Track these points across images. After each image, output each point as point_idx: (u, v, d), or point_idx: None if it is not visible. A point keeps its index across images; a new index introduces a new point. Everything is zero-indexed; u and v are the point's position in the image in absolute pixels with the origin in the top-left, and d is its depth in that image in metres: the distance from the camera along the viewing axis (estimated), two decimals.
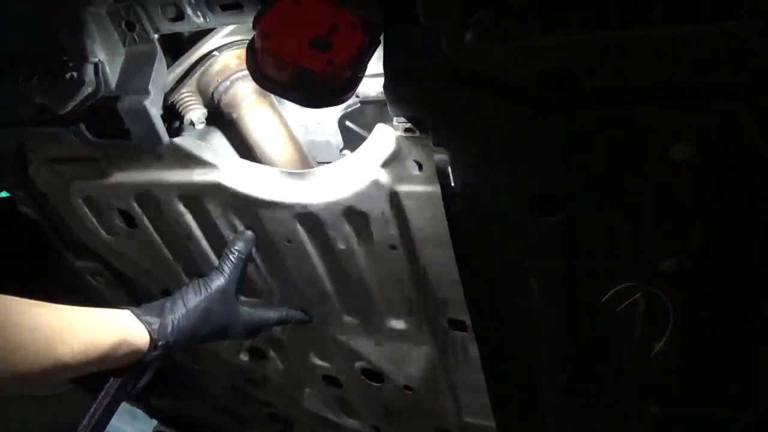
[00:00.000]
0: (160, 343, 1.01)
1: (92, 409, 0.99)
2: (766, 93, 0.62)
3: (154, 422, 2.34)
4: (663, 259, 0.82)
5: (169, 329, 1.02)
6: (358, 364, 1.34)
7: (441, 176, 0.89)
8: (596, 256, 0.87)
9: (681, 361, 0.96)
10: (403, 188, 0.93)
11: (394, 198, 0.95)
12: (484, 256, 0.96)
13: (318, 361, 1.41)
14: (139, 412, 2.27)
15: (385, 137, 0.90)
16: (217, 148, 1.11)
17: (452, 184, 0.88)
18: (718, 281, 0.83)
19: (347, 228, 1.04)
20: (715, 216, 0.75)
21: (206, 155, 1.05)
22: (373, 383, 1.37)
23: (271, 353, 1.47)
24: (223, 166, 1.05)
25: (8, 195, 1.39)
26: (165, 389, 2.04)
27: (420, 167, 0.89)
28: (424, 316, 1.14)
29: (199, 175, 1.07)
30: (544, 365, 1.10)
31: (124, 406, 1.94)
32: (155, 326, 1.01)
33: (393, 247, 1.02)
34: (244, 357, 1.52)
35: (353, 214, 1.01)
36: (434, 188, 0.90)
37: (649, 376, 1.01)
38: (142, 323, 1.00)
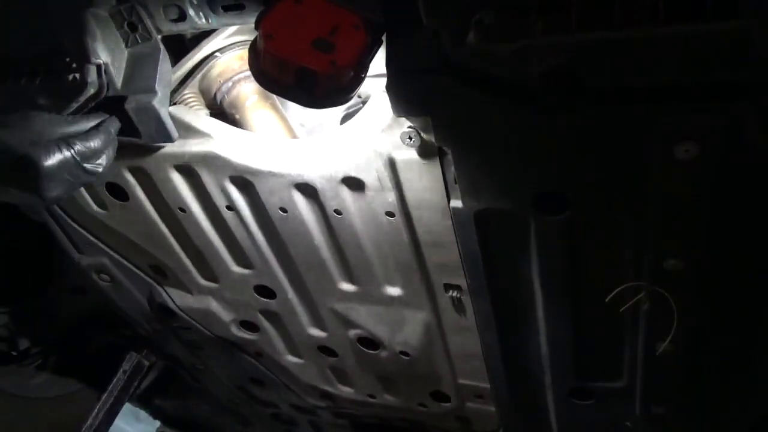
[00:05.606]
0: None
1: (95, 410, 0.99)
2: None
3: (158, 423, 2.34)
4: (667, 258, 0.81)
5: None
6: (353, 333, 1.34)
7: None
8: (600, 254, 0.87)
9: (685, 361, 0.96)
10: (400, 155, 0.93)
11: (391, 165, 0.94)
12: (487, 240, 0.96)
13: (313, 331, 1.40)
14: (143, 413, 2.27)
15: (382, 104, 0.89)
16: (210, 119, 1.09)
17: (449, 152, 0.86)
18: (723, 280, 0.83)
19: (344, 195, 1.03)
20: (719, 215, 0.75)
21: (200, 124, 1.04)
22: (369, 351, 1.37)
23: (266, 325, 1.46)
24: (217, 136, 1.04)
25: None
26: (168, 390, 2.04)
27: (419, 133, 0.88)
28: (420, 281, 1.14)
29: (193, 145, 1.05)
30: (547, 364, 1.10)
31: (128, 407, 1.94)
32: None
33: (390, 214, 1.02)
34: (236, 331, 1.50)
35: (351, 181, 1.00)
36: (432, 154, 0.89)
37: (653, 376, 1.01)
38: None
